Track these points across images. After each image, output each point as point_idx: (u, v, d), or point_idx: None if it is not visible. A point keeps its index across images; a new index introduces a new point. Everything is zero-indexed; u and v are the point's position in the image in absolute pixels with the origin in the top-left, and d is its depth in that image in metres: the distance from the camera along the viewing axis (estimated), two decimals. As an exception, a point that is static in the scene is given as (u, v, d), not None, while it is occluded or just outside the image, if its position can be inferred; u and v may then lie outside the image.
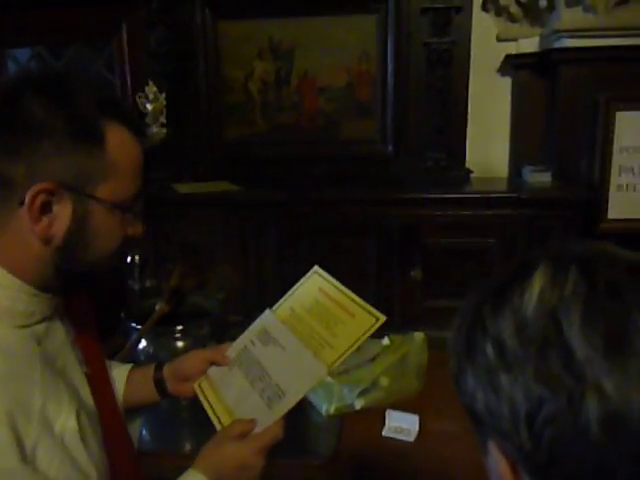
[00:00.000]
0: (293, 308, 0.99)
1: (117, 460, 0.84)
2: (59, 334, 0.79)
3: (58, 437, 0.66)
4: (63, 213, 0.69)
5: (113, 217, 0.73)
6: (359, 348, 1.58)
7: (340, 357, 0.85)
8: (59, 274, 0.73)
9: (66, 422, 0.68)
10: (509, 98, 2.11)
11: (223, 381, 0.95)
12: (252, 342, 0.98)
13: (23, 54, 2.39)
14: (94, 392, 0.84)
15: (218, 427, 0.87)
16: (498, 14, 2.06)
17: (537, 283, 0.45)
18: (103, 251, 0.75)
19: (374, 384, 1.47)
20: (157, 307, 1.58)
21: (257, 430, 0.81)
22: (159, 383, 1.00)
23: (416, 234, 1.84)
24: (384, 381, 1.48)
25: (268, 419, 0.82)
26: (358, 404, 1.44)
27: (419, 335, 1.53)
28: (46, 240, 0.70)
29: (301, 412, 1.49)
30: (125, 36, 2.28)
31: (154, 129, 2.22)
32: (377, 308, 0.89)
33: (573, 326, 0.41)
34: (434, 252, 1.84)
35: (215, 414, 0.90)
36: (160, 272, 1.94)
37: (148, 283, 1.97)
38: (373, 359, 1.54)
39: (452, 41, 2.02)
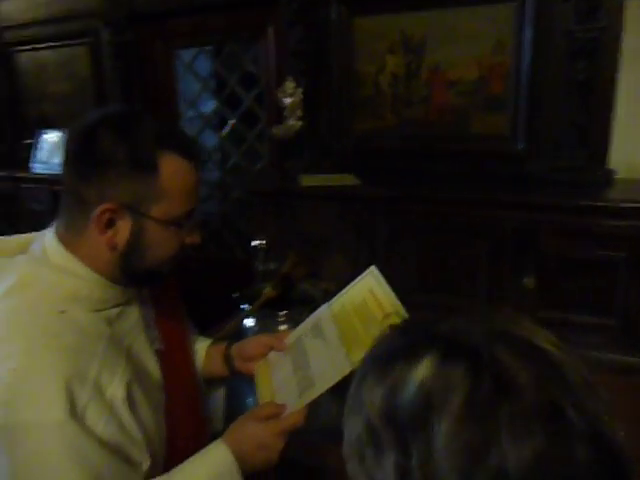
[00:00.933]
0: (344, 305, 1.03)
1: (180, 427, 0.99)
2: (132, 317, 0.96)
3: (108, 401, 0.82)
4: (124, 227, 0.85)
5: (167, 231, 0.88)
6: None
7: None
8: (124, 274, 0.90)
9: (116, 390, 0.83)
10: (669, 91, 1.84)
11: (276, 365, 1.06)
12: (306, 333, 1.06)
13: (188, 54, 2.72)
14: (163, 366, 0.99)
15: None
16: (661, -6, 1.80)
17: (422, 370, 0.42)
18: (159, 258, 0.90)
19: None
20: (265, 291, 1.73)
21: (285, 415, 0.90)
22: (227, 360, 1.15)
23: (532, 239, 1.73)
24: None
25: (295, 406, 0.90)
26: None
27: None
28: (111, 247, 0.86)
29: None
30: (271, 36, 2.46)
31: (291, 122, 2.38)
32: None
33: (442, 427, 0.39)
34: (551, 260, 1.72)
35: (261, 393, 1.01)
36: (281, 257, 2.10)
37: (272, 266, 2.15)
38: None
39: (600, 28, 1.82)
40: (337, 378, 0.90)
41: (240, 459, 0.89)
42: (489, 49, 2.02)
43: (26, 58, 3.10)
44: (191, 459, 0.90)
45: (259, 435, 0.88)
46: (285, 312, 1.69)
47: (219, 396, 1.27)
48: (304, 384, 0.94)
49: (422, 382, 0.41)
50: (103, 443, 0.79)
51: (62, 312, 0.84)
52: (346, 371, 0.89)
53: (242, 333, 1.69)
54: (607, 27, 1.82)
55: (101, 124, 0.84)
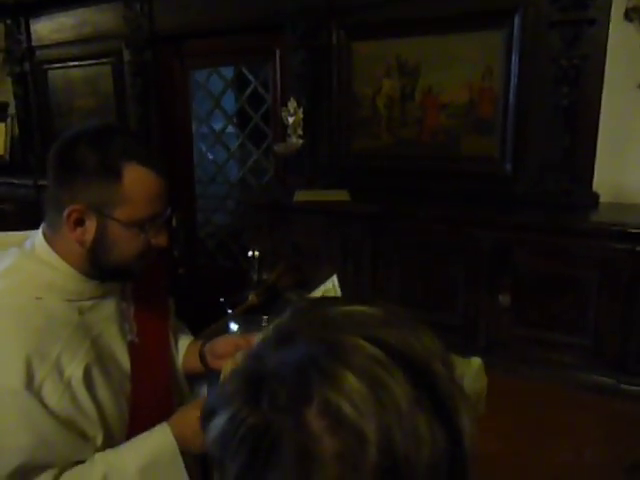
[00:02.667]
0: None
1: (144, 416, 1.07)
2: (106, 309, 1.05)
3: (66, 380, 0.91)
4: (90, 226, 0.96)
5: (129, 232, 0.97)
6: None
7: None
8: (94, 268, 1.00)
9: (74, 371, 0.93)
10: (653, 117, 1.88)
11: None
12: None
13: (201, 74, 2.88)
14: (134, 358, 1.08)
15: None
16: (644, 24, 1.85)
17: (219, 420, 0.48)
18: (124, 256, 1.00)
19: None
20: (249, 298, 1.83)
21: None
22: (201, 356, 1.24)
23: (509, 257, 1.78)
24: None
25: None
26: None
27: (476, 361, 1.49)
28: (81, 243, 0.97)
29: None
30: (278, 59, 2.59)
31: (292, 140, 2.49)
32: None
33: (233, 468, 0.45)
34: (526, 278, 1.76)
35: None
36: (274, 267, 2.20)
37: (265, 275, 2.25)
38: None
39: (583, 55, 1.88)
40: None
41: (180, 440, 0.99)
42: (479, 74, 2.09)
43: (56, 75, 3.32)
44: (139, 436, 0.99)
45: (198, 422, 0.96)
46: (267, 317, 1.79)
47: (201, 394, 1.36)
48: None
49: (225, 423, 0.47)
50: (55, 415, 0.89)
51: (38, 298, 0.95)
52: None
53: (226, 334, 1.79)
54: (590, 55, 1.88)
55: (78, 137, 0.96)
